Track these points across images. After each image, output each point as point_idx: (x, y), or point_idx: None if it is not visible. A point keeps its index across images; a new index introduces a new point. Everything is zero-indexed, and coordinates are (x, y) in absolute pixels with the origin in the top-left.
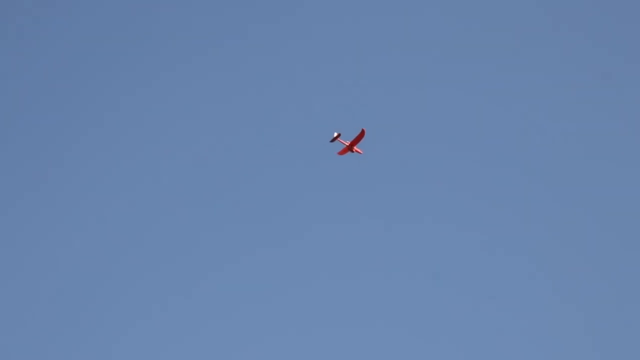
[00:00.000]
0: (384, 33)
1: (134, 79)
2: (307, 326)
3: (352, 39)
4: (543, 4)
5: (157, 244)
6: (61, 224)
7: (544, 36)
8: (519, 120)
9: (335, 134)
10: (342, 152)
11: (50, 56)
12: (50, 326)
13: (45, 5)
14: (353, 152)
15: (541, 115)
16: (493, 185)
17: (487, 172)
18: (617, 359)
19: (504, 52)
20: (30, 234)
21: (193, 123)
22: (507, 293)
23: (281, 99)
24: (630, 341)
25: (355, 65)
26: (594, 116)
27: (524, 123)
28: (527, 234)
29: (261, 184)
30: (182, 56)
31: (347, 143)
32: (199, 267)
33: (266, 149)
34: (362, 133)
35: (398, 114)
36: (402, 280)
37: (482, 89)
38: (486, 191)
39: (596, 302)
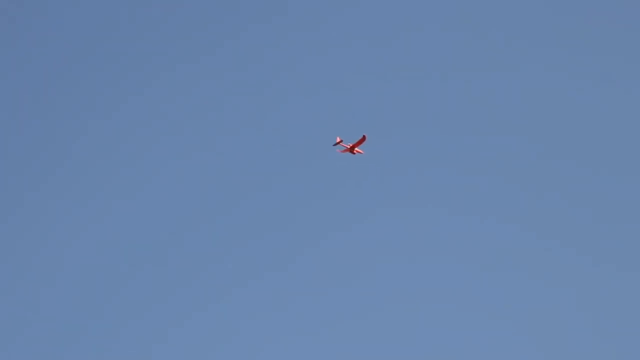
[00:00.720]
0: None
1: (139, 80)
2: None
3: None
4: None
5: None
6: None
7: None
8: None
9: (338, 139)
10: (344, 152)
11: (53, 57)
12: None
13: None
14: (354, 153)
15: None
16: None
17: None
18: None
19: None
20: (35, 238)
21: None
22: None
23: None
24: None
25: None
26: None
27: None
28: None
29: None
30: (186, 58)
31: (348, 146)
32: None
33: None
34: (363, 138)
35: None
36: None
37: None
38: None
39: None
